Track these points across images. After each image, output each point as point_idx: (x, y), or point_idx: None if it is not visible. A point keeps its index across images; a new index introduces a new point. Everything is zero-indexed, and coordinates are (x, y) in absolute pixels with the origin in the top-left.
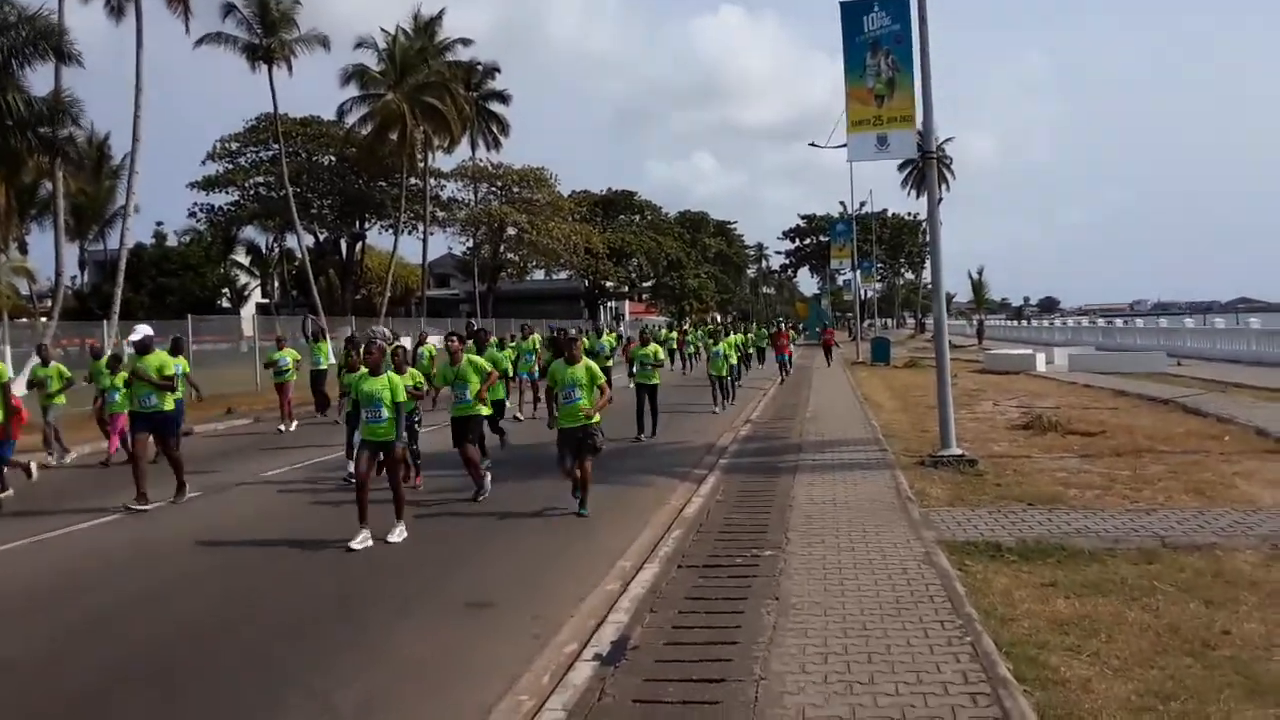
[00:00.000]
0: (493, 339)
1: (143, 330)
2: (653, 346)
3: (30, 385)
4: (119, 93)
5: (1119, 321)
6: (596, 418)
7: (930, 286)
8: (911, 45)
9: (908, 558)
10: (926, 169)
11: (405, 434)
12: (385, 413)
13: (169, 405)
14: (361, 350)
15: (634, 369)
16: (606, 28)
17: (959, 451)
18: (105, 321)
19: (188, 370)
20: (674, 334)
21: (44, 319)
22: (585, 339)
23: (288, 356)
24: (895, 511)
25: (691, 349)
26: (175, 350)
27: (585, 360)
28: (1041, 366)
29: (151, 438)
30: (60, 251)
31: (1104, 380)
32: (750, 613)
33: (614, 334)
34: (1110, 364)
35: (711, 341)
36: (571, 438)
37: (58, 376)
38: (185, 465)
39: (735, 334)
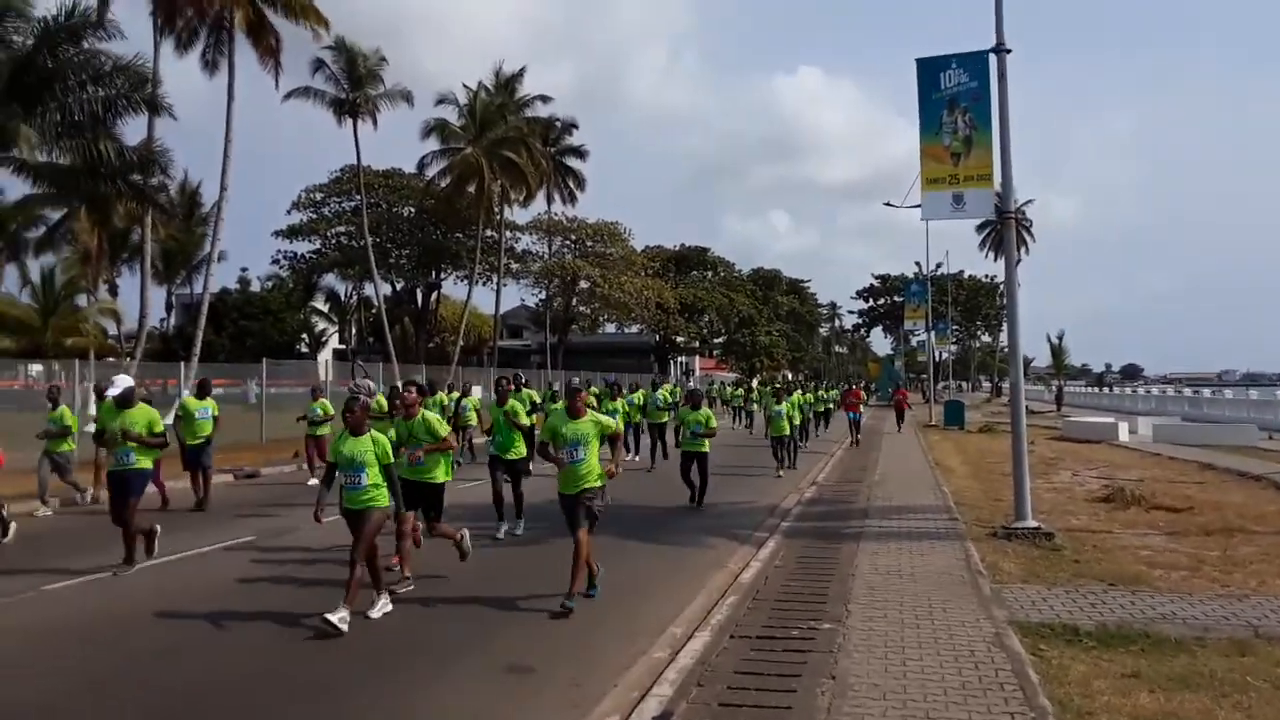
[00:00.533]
0: (523, 392)
1: (123, 382)
2: (704, 411)
3: (45, 435)
4: (212, 143)
5: (1206, 392)
6: (600, 481)
7: (1007, 350)
8: (990, 104)
9: (976, 638)
10: (1005, 230)
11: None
12: (366, 479)
13: (147, 463)
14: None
15: (679, 436)
16: (687, 86)
17: (1035, 524)
18: (183, 363)
19: (217, 413)
20: (740, 391)
21: (128, 358)
22: (641, 392)
23: (319, 409)
24: (965, 586)
25: (754, 406)
26: (202, 392)
27: (591, 414)
28: (1124, 436)
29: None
30: (145, 295)
31: (1190, 453)
32: (803, 692)
33: (674, 386)
34: (1197, 436)
35: (774, 400)
36: (571, 504)
37: (59, 421)
38: (244, 508)
39: (798, 393)
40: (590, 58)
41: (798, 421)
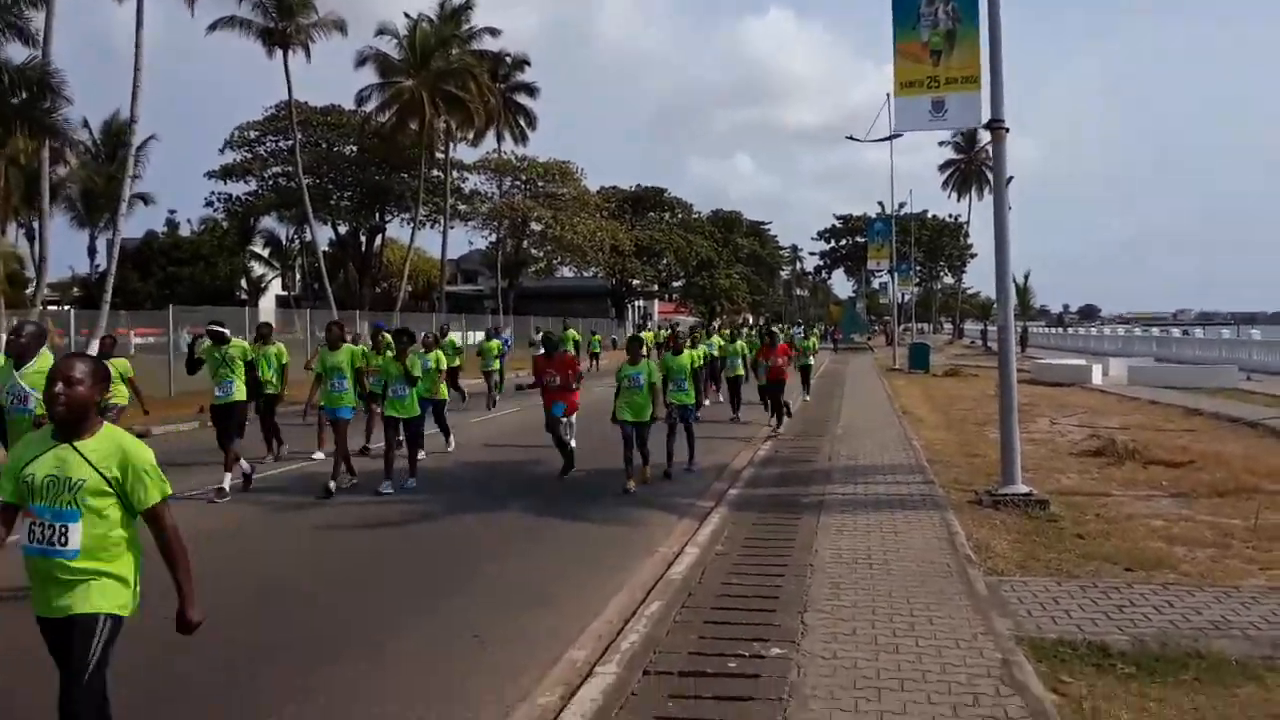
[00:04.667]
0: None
1: None
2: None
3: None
4: (153, 83)
5: (1176, 331)
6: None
7: (971, 291)
8: None
9: (977, 670)
10: (995, 142)
11: None
12: None
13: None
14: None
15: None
16: (656, 27)
17: (1025, 489)
18: (72, 309)
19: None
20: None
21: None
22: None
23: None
24: (952, 579)
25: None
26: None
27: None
28: (1098, 378)
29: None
30: (44, 235)
31: (1170, 396)
32: None
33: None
34: (1174, 377)
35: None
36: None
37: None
38: None
39: (718, 337)
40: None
41: (687, 398)
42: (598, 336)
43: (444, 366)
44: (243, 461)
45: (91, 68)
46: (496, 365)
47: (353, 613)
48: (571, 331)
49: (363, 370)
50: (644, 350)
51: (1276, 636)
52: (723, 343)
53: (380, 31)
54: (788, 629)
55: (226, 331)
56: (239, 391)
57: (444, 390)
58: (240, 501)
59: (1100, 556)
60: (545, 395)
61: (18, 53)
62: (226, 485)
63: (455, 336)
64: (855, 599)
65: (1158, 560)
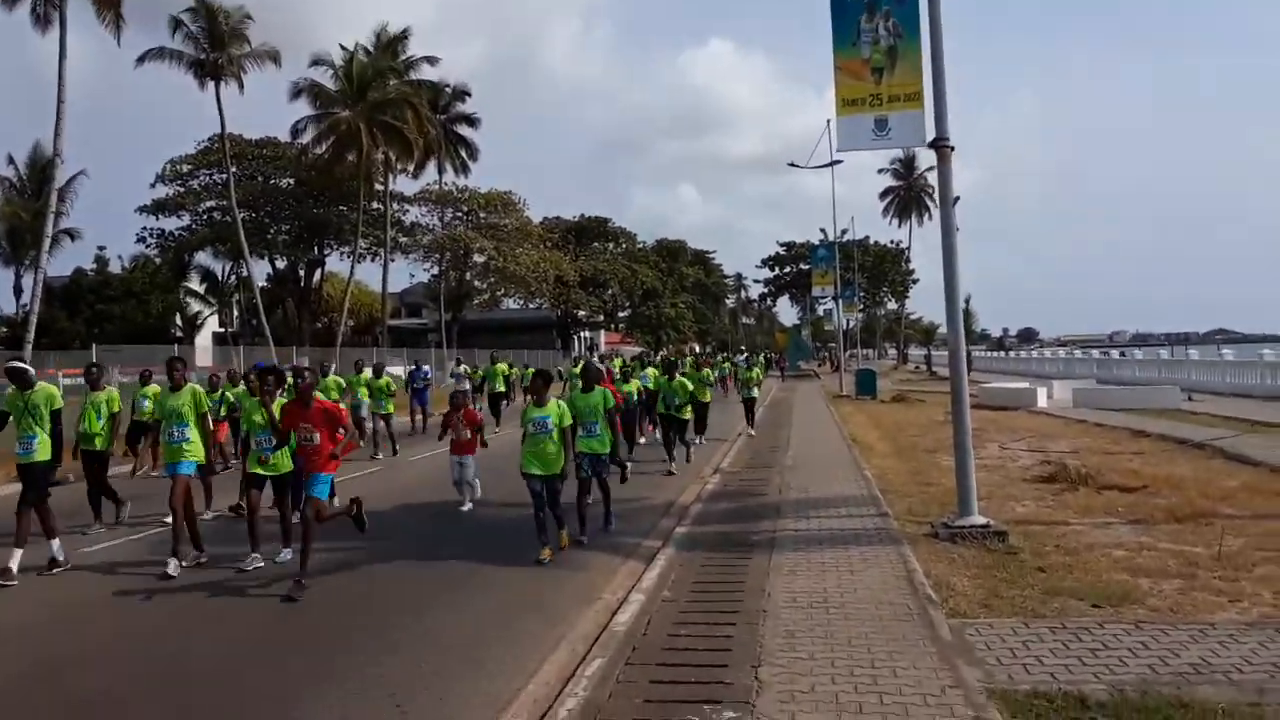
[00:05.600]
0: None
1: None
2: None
3: None
4: (82, 116)
5: (1115, 353)
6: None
7: (913, 316)
8: (918, 4)
9: None
10: (941, 161)
11: None
12: None
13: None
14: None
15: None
16: (598, 59)
17: (983, 520)
18: None
19: None
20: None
21: None
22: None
23: None
24: (914, 623)
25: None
26: None
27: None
28: (1043, 401)
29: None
30: None
31: (1115, 418)
32: None
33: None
34: (1118, 399)
35: (533, 403)
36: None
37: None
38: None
39: (655, 370)
40: (505, 31)
41: (602, 445)
42: (530, 370)
43: None
44: (53, 544)
45: (19, 100)
46: (390, 407)
47: (255, 682)
48: (501, 365)
49: (208, 416)
50: (551, 386)
51: (1261, 680)
52: (658, 374)
53: (315, 62)
54: (741, 687)
55: (30, 373)
56: (43, 449)
57: None
58: (124, 566)
59: (1065, 592)
60: (302, 457)
61: None
62: (13, 565)
63: (368, 373)
64: (812, 649)
65: (1124, 594)
